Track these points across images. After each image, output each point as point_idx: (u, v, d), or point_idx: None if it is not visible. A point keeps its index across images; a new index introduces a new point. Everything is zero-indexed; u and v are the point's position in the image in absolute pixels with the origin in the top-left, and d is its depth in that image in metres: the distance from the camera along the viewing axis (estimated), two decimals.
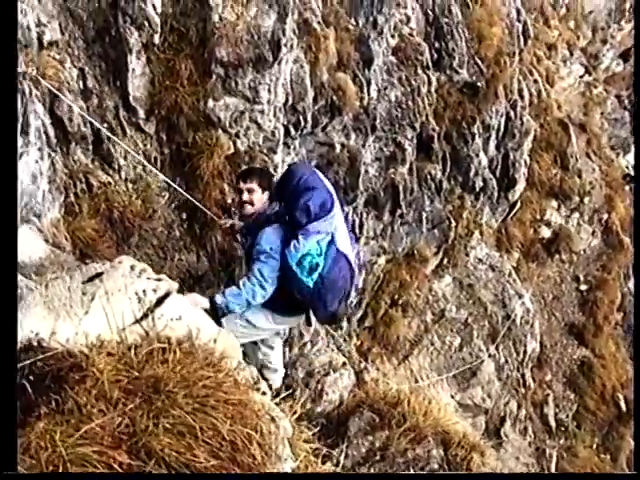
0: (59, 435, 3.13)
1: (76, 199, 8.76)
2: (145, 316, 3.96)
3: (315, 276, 6.93)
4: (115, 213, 8.98)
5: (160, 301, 4.09)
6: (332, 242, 7.06)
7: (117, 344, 3.68)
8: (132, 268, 4.31)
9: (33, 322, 3.66)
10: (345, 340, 12.84)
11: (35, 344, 3.58)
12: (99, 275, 4.10)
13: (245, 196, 7.48)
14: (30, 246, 7.35)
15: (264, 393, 4.45)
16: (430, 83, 13.23)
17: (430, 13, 13.46)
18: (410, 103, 12.72)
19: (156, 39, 8.99)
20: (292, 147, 10.64)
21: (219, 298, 6.82)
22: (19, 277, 5.67)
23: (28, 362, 3.43)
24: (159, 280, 4.32)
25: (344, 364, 10.68)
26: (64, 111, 8.40)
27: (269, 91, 9.64)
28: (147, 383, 3.47)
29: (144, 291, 4.08)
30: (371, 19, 11.98)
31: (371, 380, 10.93)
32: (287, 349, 9.82)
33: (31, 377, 3.39)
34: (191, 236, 9.63)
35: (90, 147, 8.86)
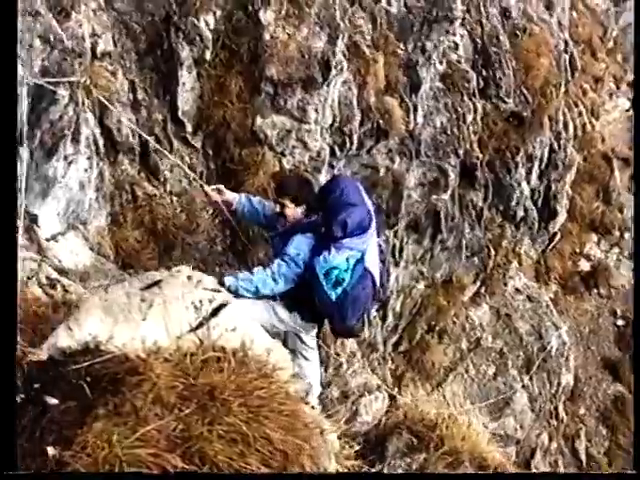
0: (116, 436, 3.18)
1: (121, 209, 8.87)
2: (201, 325, 4.00)
3: (339, 290, 7.02)
4: (159, 225, 9.07)
5: (216, 311, 4.13)
6: (361, 260, 7.14)
7: (174, 351, 3.72)
8: (189, 278, 4.37)
9: (91, 325, 3.72)
10: (379, 363, 12.82)
11: (92, 347, 3.63)
12: (157, 283, 4.16)
13: (277, 208, 7.57)
14: (75, 253, 7.46)
15: (313, 407, 4.49)
16: (476, 111, 13.24)
17: (479, 41, 13.47)
18: (455, 130, 12.73)
19: (207, 55, 9.12)
20: (337, 168, 10.68)
21: (230, 279, 6.90)
22: (68, 282, 5.76)
23: (86, 364, 3.48)
24: (216, 291, 4.37)
25: (379, 387, 10.66)
26: (113, 121, 8.53)
27: (317, 111, 9.72)
28: (202, 390, 3.52)
29: (200, 301, 4.13)
30: (420, 45, 12.02)
31: (405, 404, 10.88)
32: (323, 369, 9.81)
33: (88, 378, 3.44)
34: (233, 252, 9.68)
35: (137, 158, 8.97)
